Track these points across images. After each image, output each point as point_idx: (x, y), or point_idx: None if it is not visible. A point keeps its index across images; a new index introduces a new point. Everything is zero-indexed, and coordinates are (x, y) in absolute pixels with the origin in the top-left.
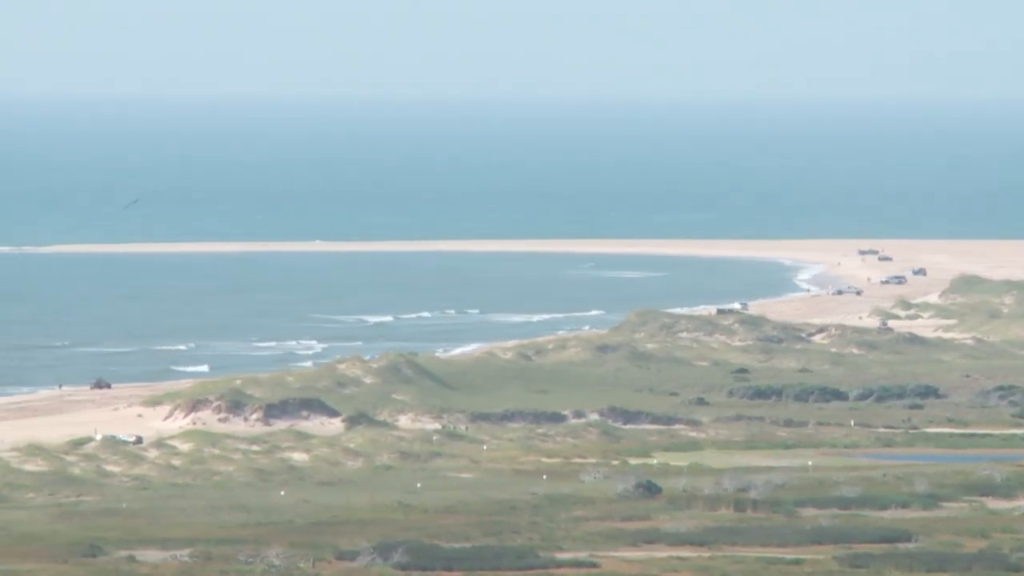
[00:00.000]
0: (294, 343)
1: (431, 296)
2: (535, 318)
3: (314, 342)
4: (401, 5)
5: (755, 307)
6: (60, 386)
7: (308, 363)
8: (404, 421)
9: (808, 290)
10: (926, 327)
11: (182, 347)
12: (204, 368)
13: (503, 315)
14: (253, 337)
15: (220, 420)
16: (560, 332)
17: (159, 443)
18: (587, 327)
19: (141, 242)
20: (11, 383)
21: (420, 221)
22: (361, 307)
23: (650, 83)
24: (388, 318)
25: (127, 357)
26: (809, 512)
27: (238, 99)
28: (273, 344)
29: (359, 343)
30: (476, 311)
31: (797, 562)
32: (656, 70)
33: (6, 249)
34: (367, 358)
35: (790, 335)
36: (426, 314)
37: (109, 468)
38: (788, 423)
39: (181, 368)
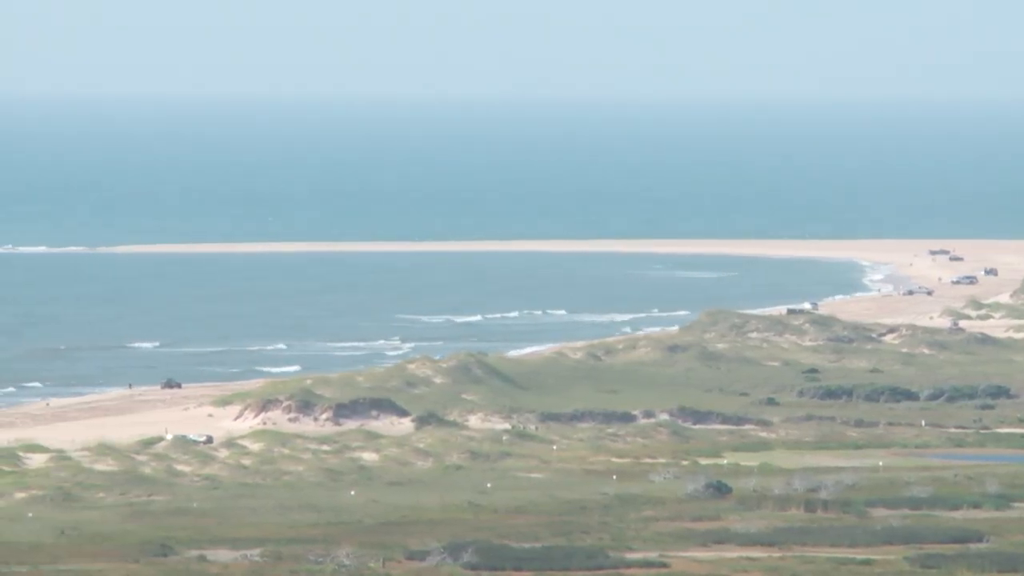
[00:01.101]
0: (382, 343)
1: (517, 296)
2: (620, 318)
3: (398, 340)
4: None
5: (825, 307)
6: (130, 386)
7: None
8: (474, 421)
9: (878, 290)
10: (997, 327)
11: (272, 347)
12: (296, 368)
13: (588, 315)
14: (341, 337)
15: (290, 420)
16: (627, 331)
17: (229, 443)
18: (652, 327)
19: (216, 242)
20: (105, 383)
21: (495, 221)
22: (449, 307)
23: (699, 83)
24: (476, 318)
25: (219, 357)
26: (880, 512)
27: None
28: (361, 344)
29: (446, 343)
30: (562, 311)
31: (867, 563)
32: (702, 70)
33: (79, 249)
34: (437, 358)
35: (861, 335)
36: (514, 314)
37: (180, 468)
38: (859, 423)
39: (274, 369)
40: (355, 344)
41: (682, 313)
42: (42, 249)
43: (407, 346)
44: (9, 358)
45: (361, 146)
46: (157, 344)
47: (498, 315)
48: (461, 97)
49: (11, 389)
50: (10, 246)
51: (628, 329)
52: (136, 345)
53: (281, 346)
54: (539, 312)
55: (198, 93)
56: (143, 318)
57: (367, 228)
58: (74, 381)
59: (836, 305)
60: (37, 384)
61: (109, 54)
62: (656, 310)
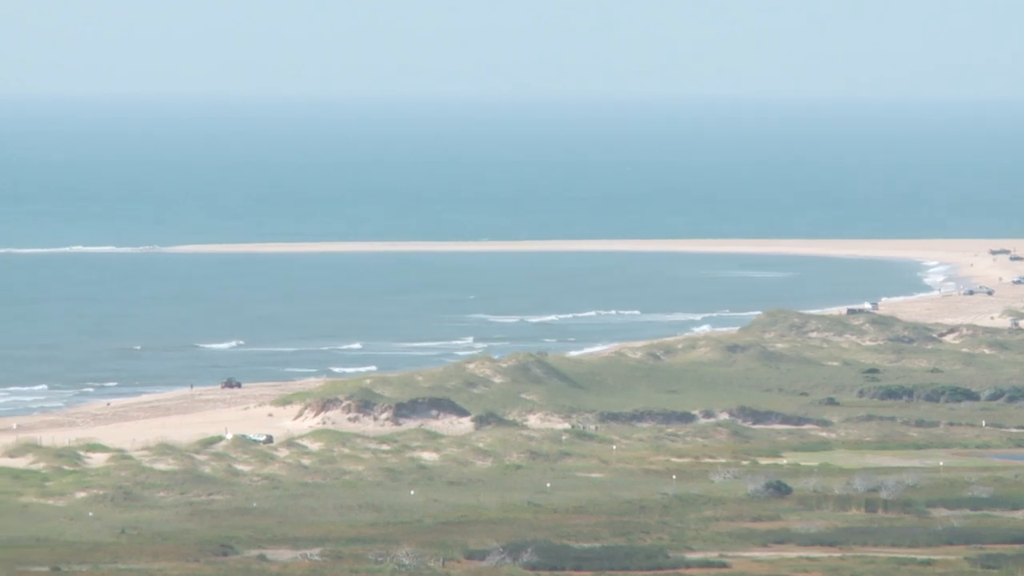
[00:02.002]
0: (456, 343)
1: (590, 296)
2: (693, 317)
3: (471, 340)
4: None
5: (885, 307)
6: (192, 386)
7: None
8: (533, 421)
9: (939, 290)
10: None
11: (347, 347)
12: (373, 368)
13: (661, 315)
14: (414, 337)
15: (350, 419)
16: (705, 329)
17: (289, 442)
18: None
19: (281, 242)
20: (179, 383)
21: (564, 221)
22: (523, 307)
23: (750, 84)
24: (551, 318)
25: (294, 357)
26: (940, 512)
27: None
28: (434, 344)
29: (519, 343)
30: (636, 311)
31: (928, 563)
32: (759, 69)
33: (132, 249)
34: (496, 357)
35: (921, 335)
36: (591, 313)
37: (240, 467)
38: (919, 423)
39: (349, 369)
40: (429, 344)
41: (753, 313)
42: (109, 248)
43: (480, 346)
44: (87, 358)
45: (424, 146)
46: (234, 344)
47: (570, 315)
48: (512, 98)
49: (89, 388)
50: (80, 246)
51: (708, 327)
52: (212, 346)
53: (356, 346)
54: (612, 312)
55: (238, 94)
56: (219, 318)
57: (439, 228)
58: (148, 381)
59: (896, 305)
60: (114, 384)
61: (143, 54)
62: (727, 310)
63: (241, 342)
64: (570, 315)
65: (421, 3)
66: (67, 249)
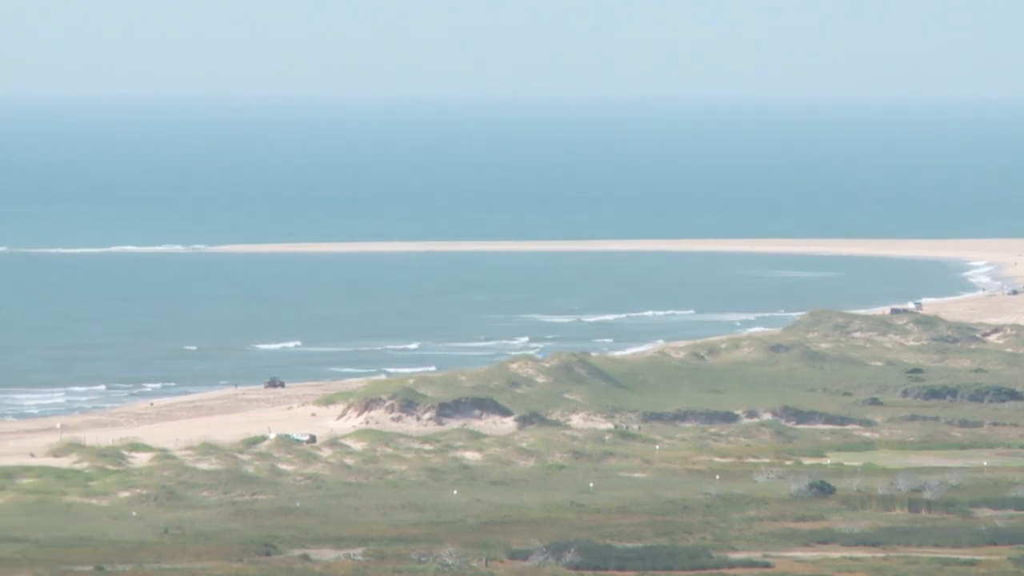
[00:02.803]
0: (512, 342)
1: (644, 296)
2: (750, 316)
3: (527, 340)
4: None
5: (929, 307)
6: (236, 385)
7: None
8: (576, 420)
9: (983, 290)
10: None
11: (403, 347)
12: (432, 368)
13: (715, 315)
14: (471, 337)
15: (393, 419)
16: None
17: (332, 442)
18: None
19: (324, 241)
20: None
21: (610, 221)
22: (580, 306)
23: (765, 83)
24: (607, 317)
25: (353, 357)
26: (984, 513)
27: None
28: (491, 344)
29: (575, 343)
30: (691, 311)
31: (972, 563)
32: (758, 69)
33: (178, 248)
34: (539, 357)
35: (965, 335)
36: (649, 313)
37: (283, 467)
38: (963, 423)
39: (407, 369)
40: (484, 344)
41: (796, 313)
42: (155, 248)
43: (536, 346)
44: (141, 358)
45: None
46: (292, 345)
47: (624, 315)
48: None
49: (151, 387)
50: (131, 246)
51: (761, 328)
52: (268, 346)
53: (412, 346)
54: (668, 312)
55: (238, 94)
56: (275, 319)
57: (494, 228)
58: (201, 380)
59: (940, 305)
60: (168, 384)
61: (143, 54)
62: (782, 310)
63: (298, 343)
64: (624, 315)
65: (421, 3)
66: (115, 249)
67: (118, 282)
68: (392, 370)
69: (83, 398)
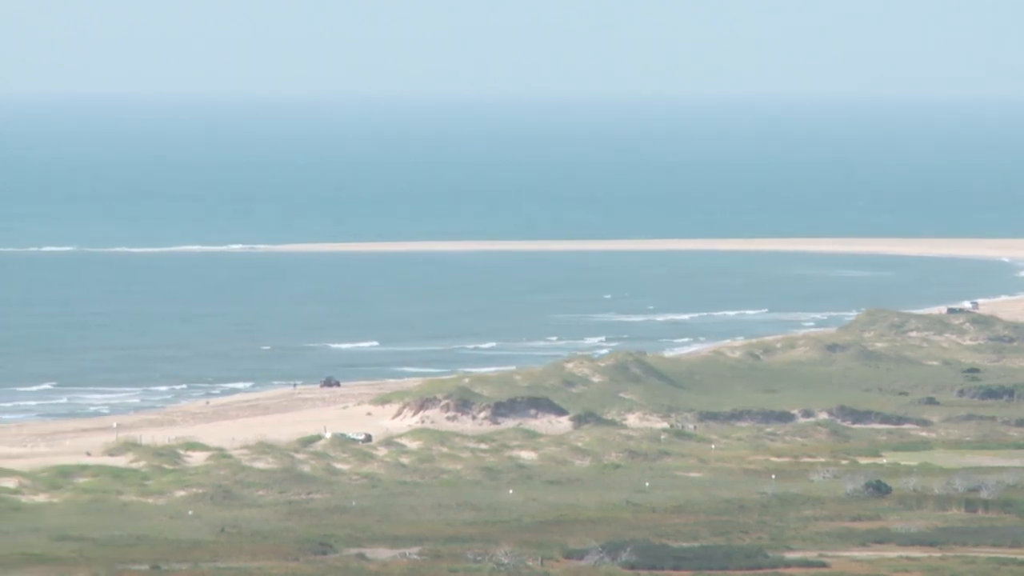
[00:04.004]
0: (588, 341)
1: (717, 295)
2: (844, 316)
3: (603, 339)
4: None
5: (986, 306)
6: (295, 384)
7: None
8: (632, 420)
9: None
10: None
11: (485, 346)
12: (513, 368)
13: (788, 314)
14: (548, 335)
15: (448, 418)
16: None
17: (388, 441)
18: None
19: (387, 241)
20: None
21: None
22: (654, 306)
23: (765, 83)
24: (682, 316)
25: (431, 356)
26: None
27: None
28: (568, 343)
29: (647, 342)
30: (764, 310)
31: None
32: (758, 70)
33: (238, 248)
34: (595, 357)
35: (1022, 334)
36: (729, 313)
37: (339, 466)
38: (1020, 423)
39: (484, 369)
40: (561, 343)
41: (851, 313)
42: (196, 248)
43: (612, 344)
44: (225, 357)
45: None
46: (370, 344)
47: (699, 314)
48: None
49: (239, 385)
50: (199, 245)
51: (834, 328)
52: (345, 345)
53: (491, 345)
54: (736, 311)
55: (238, 93)
56: (353, 318)
57: (571, 227)
58: (276, 378)
59: (997, 304)
60: (251, 383)
61: (143, 54)
62: (855, 310)
63: (375, 343)
64: (697, 314)
65: (421, 3)
66: (179, 248)
67: (188, 282)
68: (473, 369)
69: (155, 398)
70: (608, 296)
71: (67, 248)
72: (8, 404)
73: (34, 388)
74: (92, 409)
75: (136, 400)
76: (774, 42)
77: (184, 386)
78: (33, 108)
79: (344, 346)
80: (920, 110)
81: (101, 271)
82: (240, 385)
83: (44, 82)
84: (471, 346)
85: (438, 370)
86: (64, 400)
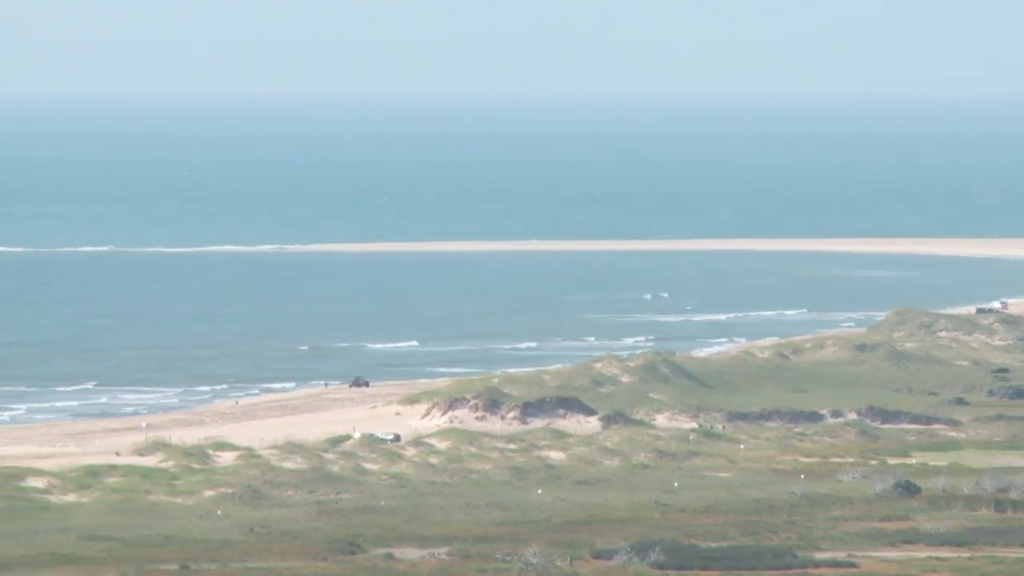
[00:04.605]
0: (627, 341)
1: (756, 295)
2: (877, 316)
3: (644, 339)
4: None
5: (1015, 306)
6: (326, 384)
7: None
8: (661, 420)
9: None
10: None
11: (524, 346)
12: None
13: (826, 314)
14: (587, 335)
15: (477, 418)
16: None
17: (417, 441)
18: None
19: (421, 241)
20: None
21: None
22: (695, 305)
23: (765, 84)
24: (720, 317)
25: (470, 355)
26: None
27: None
28: (606, 343)
29: (684, 342)
30: (803, 310)
31: None
32: (759, 70)
33: (270, 248)
34: (624, 357)
35: None
36: (768, 313)
37: (367, 466)
38: None
39: (528, 368)
40: (600, 343)
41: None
42: (229, 248)
43: (650, 344)
44: (265, 357)
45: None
46: (409, 344)
47: (736, 314)
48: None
49: (277, 385)
50: (231, 245)
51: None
52: (382, 345)
53: (525, 345)
54: (774, 311)
55: (238, 93)
56: (397, 318)
57: (600, 228)
58: (311, 377)
59: None
60: (291, 383)
61: (143, 54)
62: (884, 311)
63: (415, 343)
64: (734, 314)
65: (422, 3)
66: (213, 248)
67: (223, 281)
68: (512, 370)
69: (194, 398)
70: (647, 296)
71: (103, 248)
72: (44, 404)
73: (72, 388)
74: (131, 409)
75: (175, 400)
76: (774, 42)
77: (224, 386)
78: (33, 108)
79: (382, 346)
80: (923, 110)
81: (138, 271)
82: (278, 385)
83: (44, 82)
84: (508, 346)
85: (477, 370)
86: (104, 400)
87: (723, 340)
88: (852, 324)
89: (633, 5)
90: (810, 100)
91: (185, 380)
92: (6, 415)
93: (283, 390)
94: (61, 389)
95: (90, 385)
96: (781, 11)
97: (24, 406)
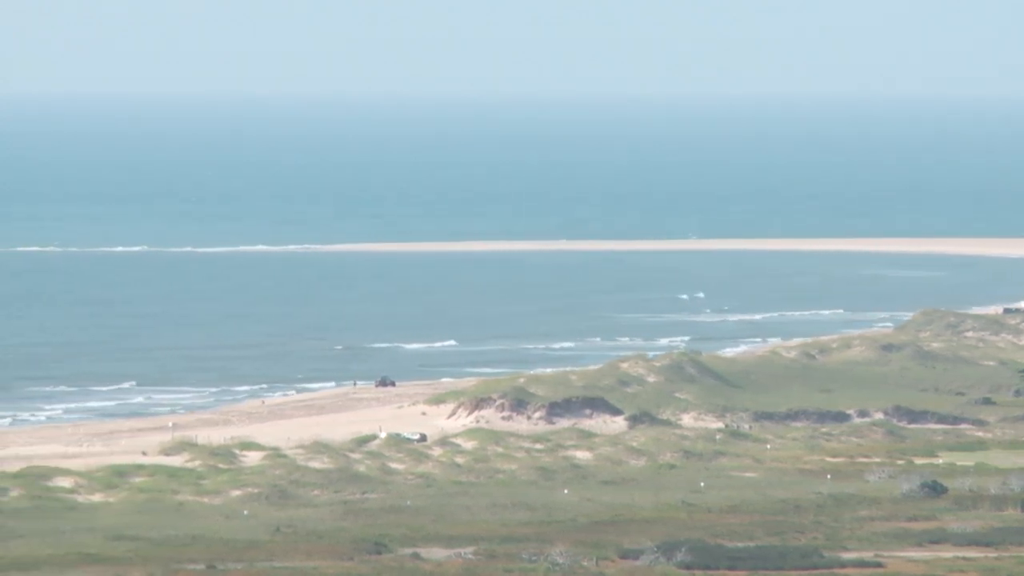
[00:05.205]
0: (666, 341)
1: (794, 295)
2: (905, 316)
3: (687, 339)
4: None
5: None
6: (355, 383)
7: None
8: (687, 420)
9: None
10: None
11: (562, 345)
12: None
13: (863, 313)
14: (625, 335)
15: (503, 418)
16: (838, 331)
17: (443, 441)
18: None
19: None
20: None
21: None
22: (733, 305)
23: (765, 84)
24: (755, 316)
25: (505, 356)
26: None
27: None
28: (643, 344)
29: (721, 341)
30: (840, 310)
31: None
32: (758, 70)
33: (295, 248)
34: (650, 356)
35: None
36: (804, 313)
37: (394, 466)
38: None
39: (565, 368)
40: (636, 343)
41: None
42: (260, 248)
43: (684, 342)
44: (301, 356)
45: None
46: (447, 344)
47: (773, 313)
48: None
49: (314, 385)
50: (263, 245)
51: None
52: (418, 345)
53: (567, 344)
54: (810, 311)
55: (239, 93)
56: (433, 318)
57: (626, 228)
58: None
59: None
60: (330, 383)
61: (143, 54)
62: (910, 311)
63: (452, 342)
64: (771, 314)
65: (422, 3)
66: (243, 248)
67: (256, 281)
68: (549, 370)
69: (230, 398)
70: (684, 296)
71: (137, 248)
72: (80, 404)
73: (108, 388)
74: (166, 409)
75: (211, 400)
76: (774, 42)
77: (264, 386)
78: (33, 108)
79: (419, 346)
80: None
81: (171, 271)
82: (316, 385)
83: (44, 82)
84: (544, 346)
85: (515, 370)
86: (140, 400)
87: (757, 340)
88: (889, 324)
89: (633, 5)
90: (811, 100)
91: (222, 380)
92: (43, 415)
93: (321, 390)
94: (97, 389)
95: (127, 385)
96: (781, 11)
97: (61, 406)
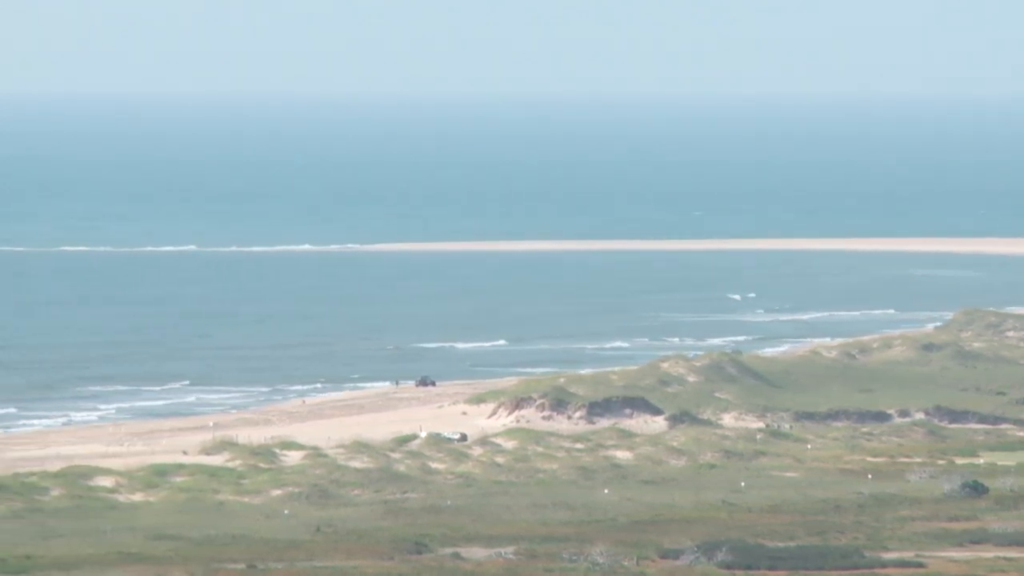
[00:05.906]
0: (717, 341)
1: (840, 295)
2: (948, 316)
3: (740, 338)
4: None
5: None
6: (397, 382)
7: None
8: (727, 420)
9: None
10: None
11: (613, 345)
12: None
13: (916, 312)
14: (676, 335)
15: (544, 418)
16: (886, 331)
17: (483, 441)
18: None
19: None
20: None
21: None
22: (784, 306)
23: (765, 84)
24: (804, 316)
25: (557, 356)
26: None
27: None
28: (693, 344)
29: (771, 341)
30: (891, 310)
31: None
32: (759, 69)
33: (335, 248)
34: (691, 356)
35: None
36: (855, 313)
37: (434, 465)
38: None
39: (616, 368)
40: (680, 343)
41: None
42: (306, 247)
43: (733, 344)
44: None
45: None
46: (498, 343)
47: (824, 313)
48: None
49: (366, 384)
50: (309, 245)
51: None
52: (469, 345)
53: (618, 344)
54: (860, 311)
55: (239, 93)
56: (481, 318)
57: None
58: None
59: None
60: (385, 383)
61: (144, 55)
62: (950, 310)
63: (503, 342)
64: (821, 313)
65: (422, 4)
66: (293, 248)
67: (304, 280)
68: (604, 370)
69: (278, 397)
70: (736, 296)
71: (187, 248)
72: (133, 404)
73: (160, 388)
74: (219, 409)
75: (263, 400)
76: (774, 42)
77: (317, 385)
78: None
79: (470, 345)
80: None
81: (221, 270)
82: (367, 385)
83: (44, 82)
84: (595, 346)
85: (563, 371)
86: (191, 399)
87: (808, 340)
88: (938, 323)
89: (633, 5)
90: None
91: (273, 380)
92: (95, 415)
93: (371, 389)
94: (149, 389)
95: (179, 385)
96: (781, 11)
97: (114, 406)
